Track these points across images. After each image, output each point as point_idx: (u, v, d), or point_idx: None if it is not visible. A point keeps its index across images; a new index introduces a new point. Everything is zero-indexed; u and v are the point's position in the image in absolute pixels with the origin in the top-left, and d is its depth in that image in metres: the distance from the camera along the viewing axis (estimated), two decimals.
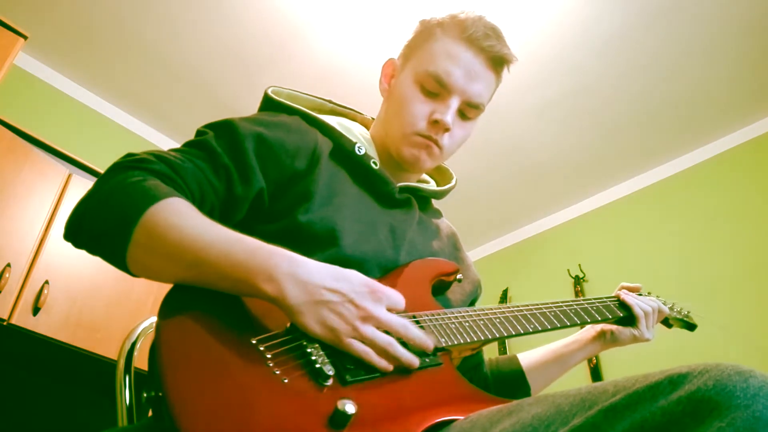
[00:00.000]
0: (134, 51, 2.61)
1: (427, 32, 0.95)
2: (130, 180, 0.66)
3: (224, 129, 0.79)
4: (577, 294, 3.00)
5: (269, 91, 0.95)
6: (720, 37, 2.33)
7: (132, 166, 0.69)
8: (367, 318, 0.62)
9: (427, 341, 0.65)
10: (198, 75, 2.72)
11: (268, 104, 0.94)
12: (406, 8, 2.27)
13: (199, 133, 0.80)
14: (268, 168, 0.79)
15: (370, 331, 0.62)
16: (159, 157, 0.72)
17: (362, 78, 2.53)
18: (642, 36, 2.36)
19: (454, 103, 0.89)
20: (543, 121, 2.79)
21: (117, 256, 0.64)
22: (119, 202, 0.64)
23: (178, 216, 0.63)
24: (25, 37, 2.00)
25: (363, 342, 0.62)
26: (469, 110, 0.92)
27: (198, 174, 0.73)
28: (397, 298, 0.66)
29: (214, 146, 0.76)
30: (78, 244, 0.67)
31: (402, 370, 0.66)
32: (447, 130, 0.90)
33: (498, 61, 0.93)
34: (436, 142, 0.90)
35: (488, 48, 0.90)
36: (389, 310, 0.65)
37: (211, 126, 0.81)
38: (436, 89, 0.90)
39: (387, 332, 0.64)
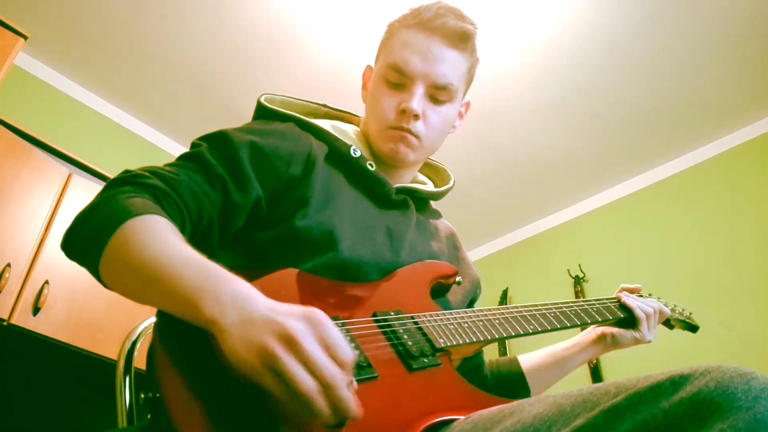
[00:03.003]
0: (134, 51, 2.61)
1: (389, 30, 0.97)
2: (119, 195, 0.66)
3: (218, 140, 0.80)
4: (577, 294, 3.00)
5: (262, 99, 0.94)
6: (721, 36, 2.33)
7: (126, 181, 0.69)
8: (301, 353, 0.49)
9: (352, 406, 0.51)
10: (197, 75, 2.72)
11: (262, 112, 0.94)
12: (406, 8, 2.27)
13: (193, 145, 0.81)
14: (264, 176, 0.79)
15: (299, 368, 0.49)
16: (153, 172, 0.72)
17: (360, 79, 2.53)
18: (643, 36, 2.35)
19: (419, 89, 0.89)
20: (543, 121, 2.78)
21: (92, 267, 0.64)
22: (102, 215, 0.64)
23: (148, 233, 0.61)
24: (25, 37, 1.99)
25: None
26: (438, 93, 0.91)
27: (193, 186, 0.73)
28: (344, 346, 0.51)
29: (208, 158, 0.76)
30: (69, 254, 0.68)
31: (399, 369, 0.65)
32: (416, 116, 0.89)
33: (455, 36, 0.90)
34: (409, 131, 0.90)
35: (440, 26, 0.90)
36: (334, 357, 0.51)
37: (205, 138, 0.81)
38: (399, 80, 0.90)
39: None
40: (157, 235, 0.61)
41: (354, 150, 0.90)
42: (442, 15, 0.90)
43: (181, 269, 0.57)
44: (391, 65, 0.90)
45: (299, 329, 0.50)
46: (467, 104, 1.03)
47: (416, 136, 0.90)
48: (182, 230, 0.69)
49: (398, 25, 0.94)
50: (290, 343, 0.49)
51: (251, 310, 0.52)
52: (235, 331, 0.51)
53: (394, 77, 0.90)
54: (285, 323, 0.50)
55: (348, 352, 0.51)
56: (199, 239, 0.74)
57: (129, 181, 0.69)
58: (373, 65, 1.01)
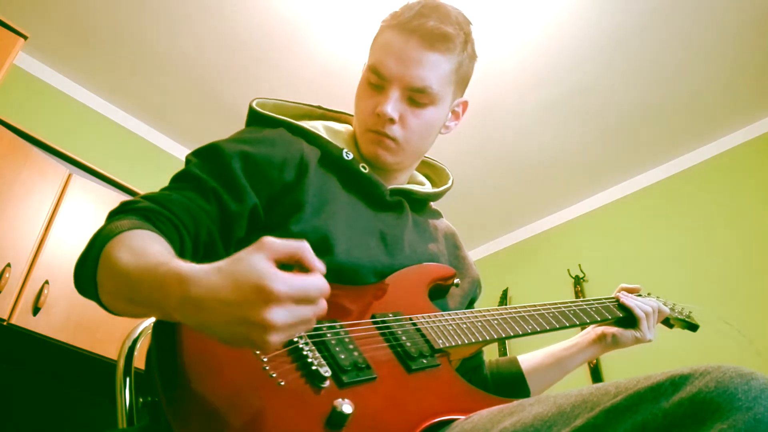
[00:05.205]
0: (134, 51, 2.61)
1: (378, 30, 0.95)
2: (108, 225, 0.66)
3: (209, 153, 0.80)
4: (577, 294, 3.00)
5: (254, 104, 0.94)
6: (720, 36, 2.33)
7: (118, 210, 0.70)
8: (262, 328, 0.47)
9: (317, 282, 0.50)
10: (198, 74, 2.72)
11: (253, 117, 0.93)
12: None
13: (186, 161, 0.81)
14: (258, 184, 0.79)
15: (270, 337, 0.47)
16: (146, 196, 0.72)
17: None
18: (642, 36, 2.35)
19: (394, 92, 0.87)
20: (543, 121, 2.78)
21: (97, 300, 0.65)
22: (90, 248, 0.64)
23: (124, 250, 0.59)
24: (25, 37, 1.99)
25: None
26: (417, 96, 0.88)
27: (185, 202, 0.73)
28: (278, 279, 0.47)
29: (199, 173, 0.76)
30: (81, 293, 0.68)
31: (397, 370, 0.65)
32: (392, 120, 0.87)
33: (432, 38, 0.87)
34: (386, 135, 0.88)
35: (418, 27, 0.86)
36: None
37: (196, 153, 0.81)
38: (378, 82, 0.89)
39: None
40: (128, 251, 0.59)
41: (346, 153, 0.90)
42: (423, 15, 0.87)
43: (142, 283, 0.55)
44: (371, 67, 0.90)
45: (266, 317, 0.46)
46: (464, 104, 1.00)
47: (393, 140, 0.89)
48: (181, 244, 0.69)
49: (384, 25, 0.93)
50: (271, 329, 0.46)
51: (206, 310, 0.48)
52: (217, 334, 0.49)
53: (373, 79, 0.89)
54: (252, 336, 0.47)
55: (296, 246, 0.51)
56: (203, 252, 0.74)
57: (121, 209, 0.70)
58: None
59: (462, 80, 0.95)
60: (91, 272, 0.62)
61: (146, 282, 0.54)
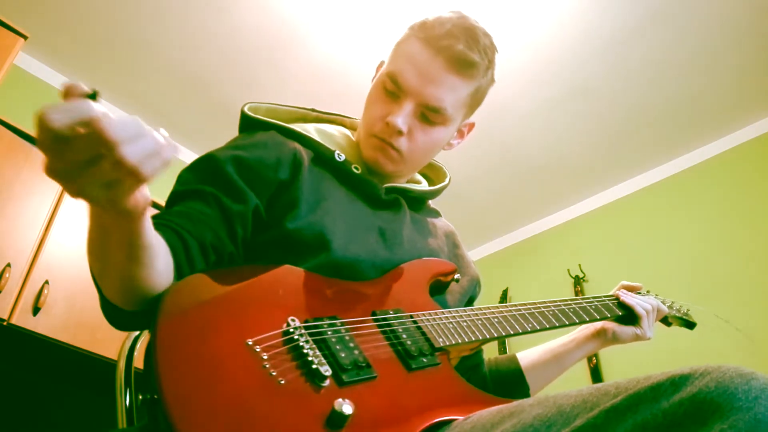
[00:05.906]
0: (134, 51, 2.61)
1: (405, 34, 0.94)
2: None
3: (203, 163, 0.80)
4: (577, 294, 2.99)
5: (245, 109, 0.94)
6: (722, 37, 2.33)
7: None
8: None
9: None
10: (197, 75, 2.71)
11: (245, 121, 0.93)
12: (405, 8, 2.27)
13: (180, 176, 0.81)
14: (255, 186, 0.79)
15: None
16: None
17: (360, 79, 2.53)
18: (644, 37, 2.35)
19: (408, 105, 0.86)
20: (544, 122, 2.78)
21: (112, 310, 0.66)
22: None
23: None
24: (25, 37, 1.99)
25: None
26: (429, 114, 0.87)
27: (185, 210, 0.73)
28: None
29: (195, 185, 0.77)
30: (109, 321, 0.70)
31: (397, 369, 0.65)
32: (400, 133, 0.87)
33: (457, 62, 0.86)
34: (391, 145, 0.88)
35: (446, 48, 0.85)
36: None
37: (190, 167, 0.82)
38: (394, 90, 0.88)
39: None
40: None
41: (338, 155, 0.90)
42: (453, 36, 0.86)
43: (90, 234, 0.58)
44: (390, 73, 0.89)
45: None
46: (471, 125, 1.00)
47: (397, 151, 0.89)
48: (185, 246, 0.69)
49: (410, 33, 0.91)
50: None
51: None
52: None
53: (389, 85, 0.89)
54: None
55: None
56: (216, 259, 0.73)
57: None
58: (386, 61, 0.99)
59: (475, 103, 0.95)
60: (98, 289, 0.64)
61: (89, 225, 0.56)
